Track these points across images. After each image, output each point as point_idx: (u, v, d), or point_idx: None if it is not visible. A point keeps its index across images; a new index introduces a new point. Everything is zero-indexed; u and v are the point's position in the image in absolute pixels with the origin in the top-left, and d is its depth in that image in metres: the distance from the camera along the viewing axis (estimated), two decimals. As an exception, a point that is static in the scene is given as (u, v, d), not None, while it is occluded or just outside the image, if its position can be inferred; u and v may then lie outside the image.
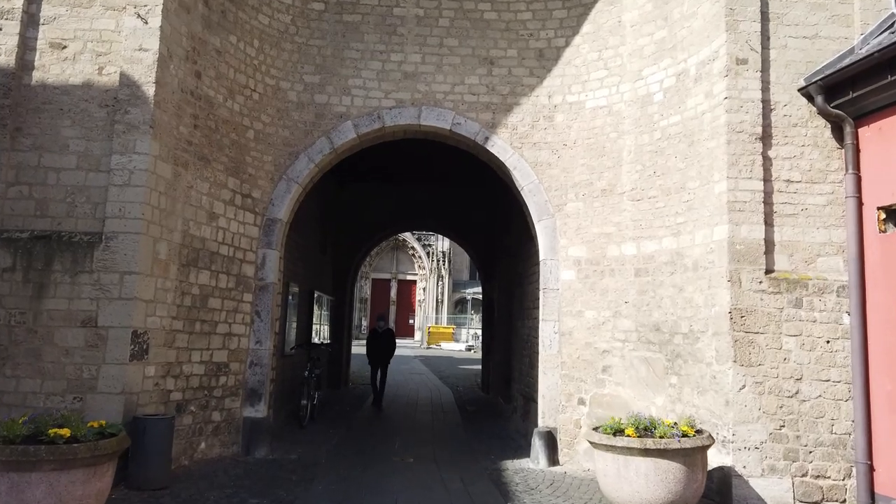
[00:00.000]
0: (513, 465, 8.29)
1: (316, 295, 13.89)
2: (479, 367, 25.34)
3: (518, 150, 8.85)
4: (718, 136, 6.92)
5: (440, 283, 48.74)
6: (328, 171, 9.65)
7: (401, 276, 50.38)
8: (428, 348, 39.93)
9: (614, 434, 5.97)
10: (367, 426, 11.16)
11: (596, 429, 6.26)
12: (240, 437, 8.22)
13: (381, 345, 14.33)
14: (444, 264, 48.87)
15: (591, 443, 6.17)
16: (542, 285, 8.70)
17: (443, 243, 49.30)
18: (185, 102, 7.36)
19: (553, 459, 8.15)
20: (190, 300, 7.46)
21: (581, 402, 8.22)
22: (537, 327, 9.34)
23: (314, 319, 13.67)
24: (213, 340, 7.86)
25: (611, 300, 8.13)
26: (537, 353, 9.20)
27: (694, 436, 5.88)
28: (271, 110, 8.73)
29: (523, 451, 9.06)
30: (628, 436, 5.83)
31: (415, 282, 50.09)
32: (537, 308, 9.39)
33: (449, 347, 39.99)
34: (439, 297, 48.47)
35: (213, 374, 7.86)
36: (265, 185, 8.67)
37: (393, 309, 50.19)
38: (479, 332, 44.04)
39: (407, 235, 49.32)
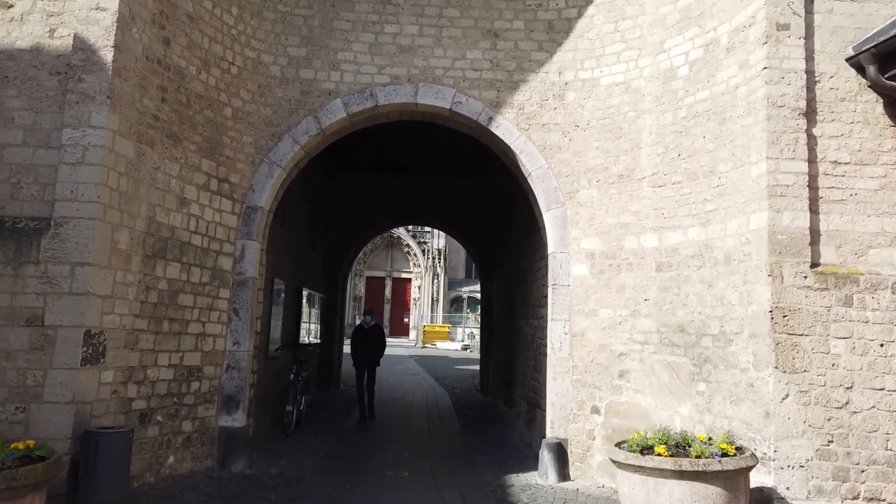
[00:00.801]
0: (519, 481, 7.47)
1: (305, 292, 13.03)
2: (477, 367, 24.54)
3: (525, 131, 8.02)
4: (756, 112, 6.11)
5: (436, 281, 47.91)
6: (316, 156, 8.81)
7: (395, 274, 49.53)
8: (423, 347, 39.10)
9: (642, 451, 5.16)
10: (358, 433, 10.32)
11: (620, 445, 5.44)
12: (215, 449, 7.36)
13: (368, 344, 12.14)
14: (439, 262, 48.04)
15: (614, 462, 5.34)
16: (550, 281, 7.87)
17: (438, 241, 48.47)
18: (150, 72, 6.49)
19: (563, 474, 7.33)
20: (156, 296, 6.60)
21: (595, 410, 7.40)
22: (544, 327, 8.52)
23: (303, 318, 12.82)
24: (183, 341, 7.00)
25: (629, 297, 7.31)
26: (544, 355, 8.38)
27: (735, 455, 5.06)
28: (251, 86, 7.87)
29: (529, 463, 8.24)
30: (659, 454, 5.01)
31: (410, 280, 49.24)
32: (544, 306, 8.57)
33: (444, 347, 39.17)
34: (435, 295, 47.64)
35: (183, 380, 7.00)
36: (244, 169, 7.81)
37: (387, 307, 49.36)
38: (475, 331, 43.21)
39: (402, 232, 48.50)
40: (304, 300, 13.06)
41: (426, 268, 48.08)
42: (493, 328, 15.31)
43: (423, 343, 40.64)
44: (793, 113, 5.96)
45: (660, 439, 5.32)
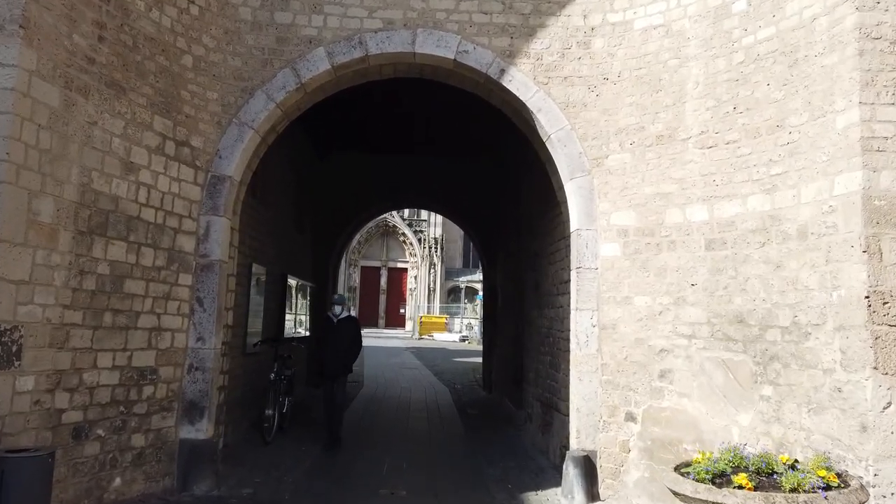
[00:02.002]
0: (539, 501, 6.27)
1: (291, 280, 11.77)
2: (476, 360, 23.35)
3: (543, 86, 6.76)
4: (843, 47, 4.85)
5: (432, 270, 46.69)
6: (303, 132, 7.60)
7: (391, 264, 48.28)
8: (420, 339, 37.94)
9: (714, 480, 3.94)
10: (348, 439, 9.09)
11: (682, 470, 4.23)
12: (174, 466, 6.13)
13: (338, 342, 8.78)
14: (436, 251, 46.80)
15: (678, 494, 4.13)
16: (574, 264, 6.64)
17: (435, 229, 47.20)
18: (82, 2, 5.20)
19: (592, 493, 6.13)
20: (95, 282, 5.34)
21: (630, 417, 6.19)
22: (564, 318, 7.30)
23: (288, 309, 11.57)
24: (133, 338, 5.74)
25: (671, 282, 6.08)
26: (565, 351, 7.17)
27: (840, 487, 3.85)
28: (216, 31, 6.57)
29: (548, 477, 7.05)
30: (740, 486, 3.79)
31: (406, 270, 48.00)
32: (564, 294, 7.34)
33: (442, 338, 38.01)
34: (431, 285, 46.43)
35: (132, 384, 5.75)
36: (209, 131, 6.53)
37: (383, 298, 48.17)
38: (474, 322, 42.02)
39: (398, 221, 47.22)
40: (290, 289, 11.80)
41: (423, 257, 46.84)
42: (497, 319, 14.08)
43: (420, 334, 39.48)
44: (892, 46, 4.71)
45: (733, 462, 4.11)
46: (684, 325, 5.95)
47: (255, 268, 9.14)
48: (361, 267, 47.80)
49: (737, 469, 4.05)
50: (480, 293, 43.06)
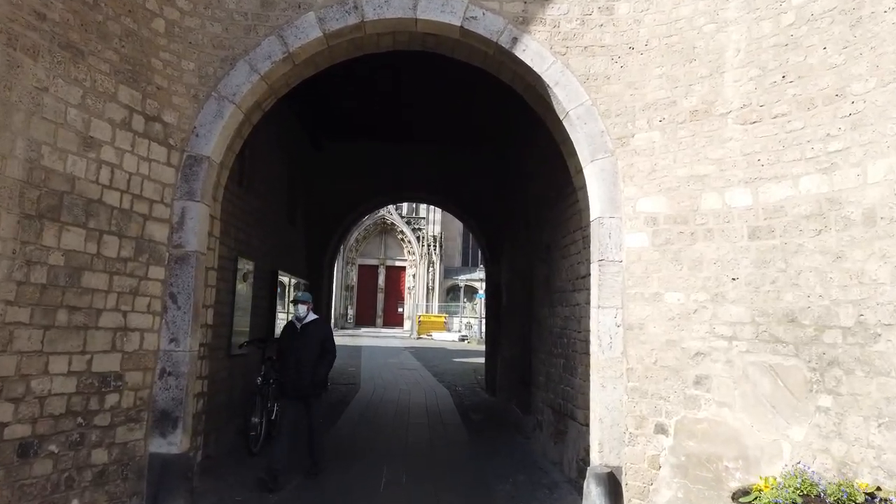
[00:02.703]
0: (556, 524, 5.55)
1: (282, 276, 11.03)
2: (477, 360, 22.65)
3: (561, 56, 6.03)
4: (921, -2, 4.14)
5: (431, 269, 45.98)
6: (295, 117, 6.85)
7: (389, 262, 47.55)
8: (418, 338, 37.22)
9: (785, 517, 3.21)
10: (343, 448, 8.36)
11: (741, 501, 3.50)
12: (143, 484, 5.39)
13: (305, 351, 6.92)
14: (435, 249, 46.08)
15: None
16: (595, 256, 5.91)
17: (434, 227, 46.47)
18: (30, -53, 4.46)
19: (618, 516, 5.41)
20: (45, 274, 4.59)
21: (660, 429, 5.46)
22: (581, 317, 6.58)
23: (281, 307, 10.84)
24: (93, 339, 5.00)
25: (708, 276, 5.35)
26: (583, 353, 6.45)
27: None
28: (193, -8, 5.84)
29: (563, 493, 6.33)
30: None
31: (404, 268, 47.28)
32: (582, 290, 6.62)
33: (441, 338, 37.29)
34: (430, 284, 45.71)
35: (93, 392, 5.01)
36: (184, 106, 5.79)
37: (381, 296, 47.44)
38: (473, 321, 41.28)
39: (396, 218, 46.50)
40: (281, 286, 11.07)
41: (421, 255, 46.13)
42: (501, 318, 13.36)
43: (419, 334, 38.76)
44: (983, -4, 4.00)
45: (801, 490, 3.40)
46: (724, 325, 5.22)
47: (242, 262, 8.40)
48: (359, 265, 47.07)
49: (808, 499, 3.33)
50: (480, 292, 42.34)
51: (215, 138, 5.86)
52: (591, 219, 6.11)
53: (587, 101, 5.97)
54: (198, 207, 5.78)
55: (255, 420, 7.58)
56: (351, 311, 46.19)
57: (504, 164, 13.35)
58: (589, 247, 6.29)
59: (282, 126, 11.26)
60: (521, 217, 11.02)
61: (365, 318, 46.90)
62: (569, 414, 7.14)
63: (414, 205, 47.02)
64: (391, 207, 46.31)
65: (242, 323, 8.61)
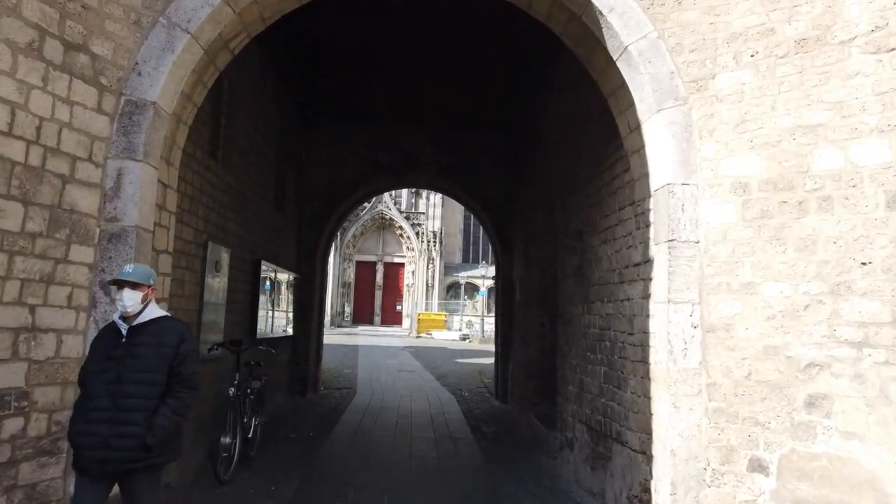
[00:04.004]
0: (614, 590, 4.15)
1: (267, 269, 9.63)
2: (481, 360, 21.25)
3: (617, -25, 4.64)
4: None
5: (430, 265, 44.61)
6: (286, 94, 5.45)
7: (387, 259, 46.17)
8: (418, 337, 35.87)
9: None
10: (335, 470, 6.97)
11: None
12: (60, 539, 4.00)
13: (119, 380, 3.36)
14: (434, 245, 44.71)
15: None
16: (663, 235, 4.52)
17: (434, 222, 45.08)
18: None
19: (699, 582, 4.02)
20: None
21: (757, 466, 4.07)
22: (635, 315, 5.21)
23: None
24: (-18, 343, 3.61)
25: (825, 260, 3.96)
26: (637, 361, 5.08)
27: None
28: None
29: (615, 541, 4.94)
30: None
31: (403, 265, 45.89)
32: (635, 282, 5.24)
33: (441, 337, 35.93)
34: (430, 281, 44.34)
35: (-18, 417, 3.61)
36: (122, 34, 4.39)
37: (379, 294, 46.08)
38: (474, 319, 39.83)
39: (394, 213, 45.12)
40: (265, 279, 9.67)
41: (420, 251, 44.76)
42: (514, 316, 11.98)
43: (418, 332, 37.40)
44: None
45: None
46: (850, 327, 3.84)
47: (213, 248, 7.00)
48: (356, 262, 45.69)
49: None
50: (482, 289, 40.95)
51: (163, 79, 4.45)
52: (653, 189, 4.73)
53: (651, 33, 4.58)
54: (140, 169, 4.37)
55: (225, 440, 6.17)
56: (348, 309, 44.85)
57: (517, 145, 11.97)
58: (646, 226, 4.91)
59: (268, 100, 9.89)
60: (540, 201, 9.62)
61: (362, 317, 45.54)
62: (613, 435, 5.75)
63: (413, 199, 45.66)
64: (390, 202, 44.94)
65: (214, 321, 7.22)
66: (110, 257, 4.26)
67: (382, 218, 45.56)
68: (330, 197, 12.73)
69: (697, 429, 4.25)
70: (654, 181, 4.70)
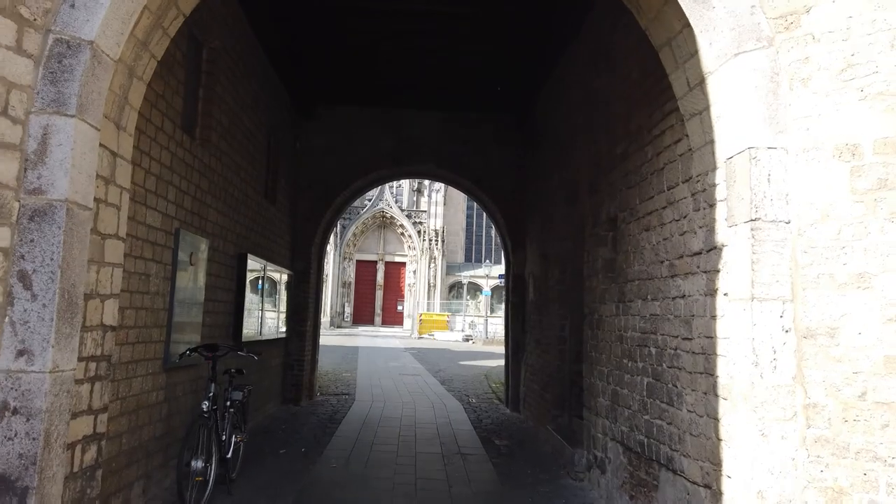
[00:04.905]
0: None
1: (254, 264, 8.68)
2: (486, 363, 20.30)
3: None
4: None
5: (432, 265, 43.72)
6: (283, 78, 4.46)
7: (388, 258, 45.28)
8: (419, 338, 34.96)
9: None
10: (328, 496, 6.00)
11: None
12: None
13: None
14: (436, 244, 43.83)
15: None
16: (743, 214, 3.54)
17: (436, 220, 44.18)
18: None
19: None
20: None
21: (878, 516, 3.10)
22: (692, 317, 4.27)
23: (249, 302, 8.47)
24: None
25: (972, 243, 3.00)
26: (693, 372, 4.14)
27: None
28: None
29: None
30: None
31: (404, 264, 45.02)
32: (694, 274, 4.28)
33: (443, 338, 35.03)
34: (432, 280, 43.44)
35: None
36: (49, -47, 3.42)
37: (380, 293, 45.20)
38: (476, 320, 38.89)
39: (395, 212, 44.22)
40: (262, 276, 8.71)
41: (422, 251, 43.87)
42: (526, 317, 11.01)
43: (420, 333, 36.49)
44: None
45: None
46: None
47: (187, 238, 6.03)
48: (357, 261, 44.82)
49: None
50: (485, 289, 39.95)
51: (104, 12, 3.47)
52: (723, 158, 3.77)
53: (726, -44, 3.60)
54: (73, 128, 3.40)
55: (197, 465, 5.17)
56: (348, 309, 43.97)
57: (531, 129, 11.01)
58: (710, 206, 3.96)
59: (258, 79, 8.94)
60: (559, 188, 8.65)
61: (363, 317, 44.65)
62: (661, 461, 4.78)
63: (415, 197, 44.76)
64: (391, 200, 44.04)
65: (190, 322, 6.25)
66: (32, 240, 3.29)
67: (383, 216, 44.70)
68: (326, 187, 11.77)
69: (792, 464, 3.28)
70: (726, 147, 3.73)
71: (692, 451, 4.25)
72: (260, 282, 9.17)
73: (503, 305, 15.01)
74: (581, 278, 7.47)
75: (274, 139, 10.09)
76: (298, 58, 10.29)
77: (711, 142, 3.94)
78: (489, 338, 32.61)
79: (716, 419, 3.88)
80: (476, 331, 35.84)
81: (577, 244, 7.83)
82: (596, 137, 6.94)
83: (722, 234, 3.83)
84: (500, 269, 39.81)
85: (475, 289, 43.62)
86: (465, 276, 43.47)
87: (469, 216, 47.71)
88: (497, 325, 32.91)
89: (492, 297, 39.68)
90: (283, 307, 10.76)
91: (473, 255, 47.19)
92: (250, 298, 8.54)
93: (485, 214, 45.25)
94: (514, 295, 11.75)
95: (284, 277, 10.80)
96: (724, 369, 3.78)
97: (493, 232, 46.92)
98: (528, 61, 9.68)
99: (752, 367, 3.38)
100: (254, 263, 8.60)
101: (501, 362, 16.55)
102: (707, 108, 3.92)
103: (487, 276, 41.72)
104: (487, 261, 42.05)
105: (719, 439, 3.83)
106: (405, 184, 43.91)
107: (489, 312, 37.57)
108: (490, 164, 11.82)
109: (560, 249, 8.67)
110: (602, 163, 6.66)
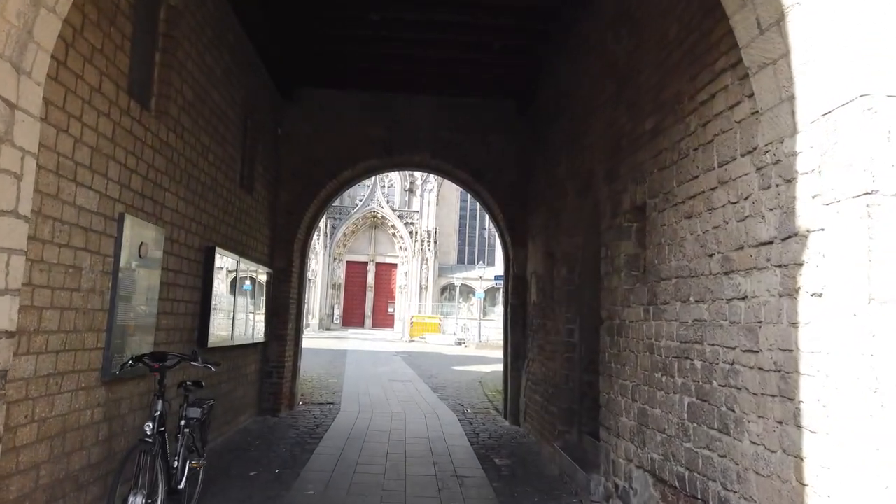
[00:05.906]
0: None
1: (224, 259, 7.71)
2: (480, 368, 19.38)
3: None
4: None
5: (424, 266, 42.71)
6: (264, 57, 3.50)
7: (379, 259, 44.25)
8: (411, 341, 33.97)
9: None
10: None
11: None
12: None
13: None
14: (428, 245, 42.84)
15: None
16: (844, 188, 2.63)
17: (428, 221, 43.20)
18: None
19: None
20: None
21: None
22: (762, 323, 3.36)
23: (215, 303, 7.50)
24: None
25: None
26: (769, 396, 3.28)
27: None
28: None
29: None
30: None
31: (395, 265, 43.99)
32: (761, 270, 3.37)
33: (435, 341, 34.06)
34: (423, 282, 42.43)
35: None
36: None
37: (370, 295, 44.18)
38: (469, 323, 37.91)
39: (387, 212, 43.20)
40: (235, 273, 7.74)
41: (414, 252, 42.87)
42: (528, 320, 10.09)
43: (411, 336, 35.51)
44: None
45: None
46: None
47: (135, 224, 5.05)
48: (347, 262, 43.77)
49: None
50: (478, 291, 38.99)
51: None
52: (814, 116, 2.85)
53: None
54: (-68, 57, 2.43)
55: (137, 501, 4.21)
56: (337, 311, 42.93)
57: (534, 115, 10.11)
58: (786, 182, 3.06)
59: (234, 56, 8.00)
60: (568, 178, 7.73)
61: (352, 319, 43.62)
62: (709, 500, 3.86)
63: (406, 197, 43.79)
64: (382, 200, 43.06)
65: (140, 326, 5.27)
66: None
67: (374, 216, 43.71)
68: (311, 178, 10.81)
69: (922, 528, 2.36)
70: (816, 103, 2.82)
71: (759, 494, 3.32)
72: (233, 280, 8.21)
73: (497, 308, 14.06)
74: (594, 278, 6.56)
75: (251, 122, 9.13)
76: (280, 33, 9.36)
77: (791, 98, 3.04)
78: (482, 341, 31.69)
79: (798, 457, 2.96)
80: (469, 334, 34.91)
81: (589, 239, 6.92)
82: (615, 115, 6.03)
83: (808, 216, 2.92)
84: (494, 270, 38.89)
85: (468, 291, 42.70)
86: (458, 277, 42.54)
87: (462, 217, 46.82)
88: (490, 329, 31.98)
89: (485, 299, 38.77)
90: (261, 308, 9.79)
91: (466, 257, 46.29)
92: (220, 298, 7.57)
93: (478, 215, 44.52)
94: (514, 297, 10.82)
95: (263, 276, 9.83)
96: (812, 393, 2.87)
97: (487, 233, 45.97)
98: (533, 35, 8.79)
99: (870, 394, 2.46)
100: (225, 259, 7.63)
101: (496, 367, 15.65)
102: (786, 54, 3.02)
103: (481, 278, 40.83)
104: (481, 262, 41.12)
105: (803, 485, 2.91)
106: (397, 183, 42.99)
107: (482, 315, 36.64)
108: (489, 154, 10.91)
109: (568, 246, 7.75)
110: (623, 143, 5.74)
